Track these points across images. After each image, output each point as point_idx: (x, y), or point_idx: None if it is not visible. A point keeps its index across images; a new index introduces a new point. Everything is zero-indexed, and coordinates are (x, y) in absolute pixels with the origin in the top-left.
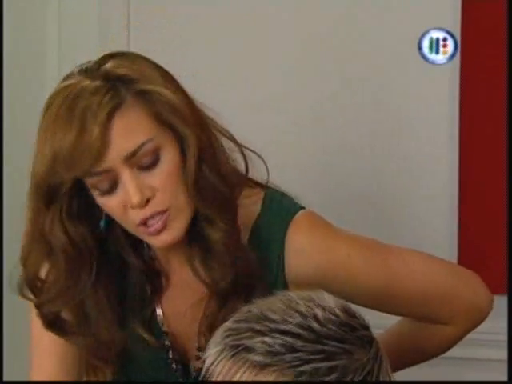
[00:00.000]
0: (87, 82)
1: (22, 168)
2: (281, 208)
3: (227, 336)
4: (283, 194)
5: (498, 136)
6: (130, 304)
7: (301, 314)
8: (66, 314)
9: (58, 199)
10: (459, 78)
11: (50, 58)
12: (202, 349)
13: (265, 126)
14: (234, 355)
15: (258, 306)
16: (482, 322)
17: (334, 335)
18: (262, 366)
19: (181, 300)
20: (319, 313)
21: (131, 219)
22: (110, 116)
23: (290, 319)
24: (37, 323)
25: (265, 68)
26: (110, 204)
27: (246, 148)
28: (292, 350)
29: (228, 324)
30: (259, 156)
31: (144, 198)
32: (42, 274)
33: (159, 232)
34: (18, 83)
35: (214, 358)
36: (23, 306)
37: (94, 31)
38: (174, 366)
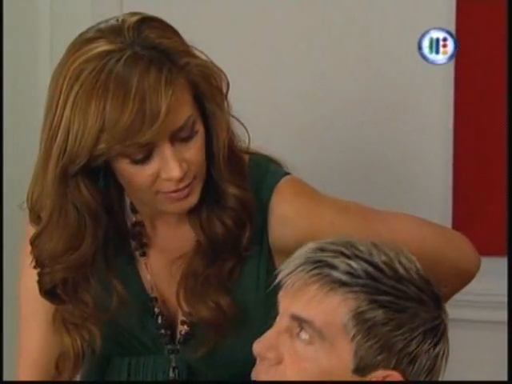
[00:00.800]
0: (130, 52)
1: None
2: (265, 174)
3: (311, 252)
4: (269, 160)
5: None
6: (117, 270)
7: (386, 254)
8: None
9: (87, 167)
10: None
11: (43, 58)
12: (186, 313)
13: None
14: (314, 269)
15: (345, 237)
16: (469, 282)
17: (415, 282)
18: (339, 284)
19: (164, 266)
20: (404, 260)
21: (157, 189)
22: (167, 91)
23: (376, 255)
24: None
25: (264, 70)
26: (139, 173)
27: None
28: (373, 278)
29: (312, 244)
30: (241, 123)
31: (183, 173)
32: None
33: (181, 199)
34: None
35: (291, 270)
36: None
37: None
38: (162, 331)
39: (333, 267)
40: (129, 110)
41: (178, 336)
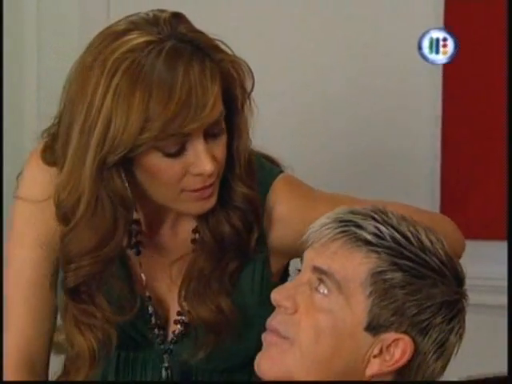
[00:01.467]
0: (170, 44)
1: None
2: (260, 172)
3: (341, 213)
4: (261, 157)
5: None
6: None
7: (415, 227)
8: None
9: (122, 159)
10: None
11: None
12: (181, 312)
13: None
14: (341, 226)
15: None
16: None
17: (439, 256)
18: (364, 243)
19: (160, 265)
20: (431, 236)
21: (183, 186)
22: (213, 84)
23: (405, 226)
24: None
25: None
26: (169, 167)
27: None
28: (398, 243)
29: (344, 207)
30: None
31: (214, 168)
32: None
33: (204, 199)
34: None
35: (319, 227)
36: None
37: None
38: (155, 331)
39: (360, 227)
40: (175, 101)
41: (171, 336)
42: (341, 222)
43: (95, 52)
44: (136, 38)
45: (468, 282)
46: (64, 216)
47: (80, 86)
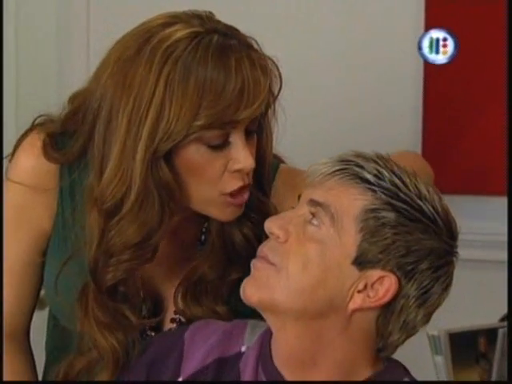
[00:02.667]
0: (217, 36)
1: None
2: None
3: (345, 154)
4: None
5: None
6: None
7: (415, 178)
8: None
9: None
10: None
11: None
12: (178, 312)
13: None
14: (342, 164)
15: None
16: None
17: (434, 205)
18: (362, 181)
19: (163, 266)
20: (430, 188)
21: (223, 186)
22: (264, 73)
23: (405, 174)
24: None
25: None
26: (212, 161)
27: None
28: (396, 186)
29: (349, 150)
30: None
31: (254, 164)
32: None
33: (238, 205)
34: None
35: (319, 164)
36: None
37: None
38: (148, 333)
39: (361, 167)
40: (231, 88)
41: None
42: (342, 161)
43: (136, 45)
44: (182, 29)
45: (469, 237)
46: (109, 209)
47: (122, 78)
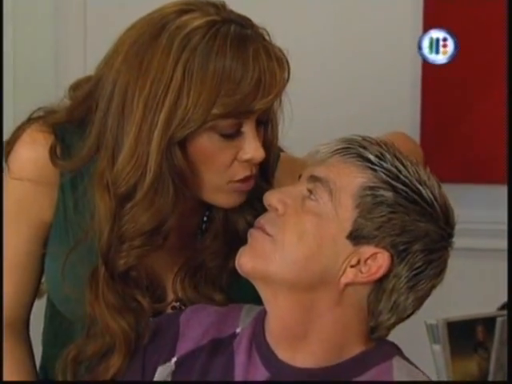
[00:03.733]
0: (234, 25)
1: None
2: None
3: (349, 136)
4: None
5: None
6: None
7: (417, 166)
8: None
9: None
10: None
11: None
12: (178, 299)
13: None
14: (345, 143)
15: None
16: None
17: (433, 191)
18: (364, 160)
19: (165, 254)
20: (432, 178)
21: (231, 174)
22: (280, 65)
23: (408, 160)
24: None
25: None
26: (223, 149)
27: None
28: (397, 168)
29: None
30: None
31: (264, 155)
32: None
33: (242, 191)
34: None
35: (322, 144)
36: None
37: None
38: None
39: (364, 148)
40: (249, 78)
41: None
42: (345, 141)
43: (152, 31)
44: (200, 17)
45: (469, 226)
46: (123, 194)
47: (137, 64)
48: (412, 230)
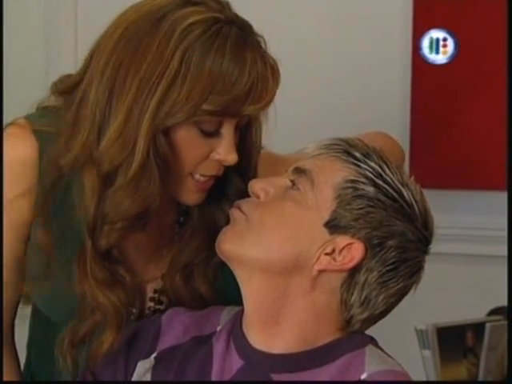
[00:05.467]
0: (236, 28)
1: None
2: None
3: (339, 136)
4: None
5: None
6: None
7: (402, 170)
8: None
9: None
10: None
11: None
12: (158, 290)
13: None
14: (335, 140)
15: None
16: None
17: (414, 194)
18: (350, 156)
19: (144, 247)
20: (415, 183)
21: (199, 168)
22: (275, 76)
23: (393, 165)
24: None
25: None
26: (198, 146)
27: None
28: (381, 168)
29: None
30: None
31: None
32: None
33: (203, 190)
34: None
35: (312, 142)
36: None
37: None
38: (133, 310)
39: (351, 146)
40: (243, 82)
41: (146, 312)
42: (334, 139)
43: (153, 16)
44: (205, 12)
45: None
46: (107, 174)
47: (136, 43)
48: (388, 225)
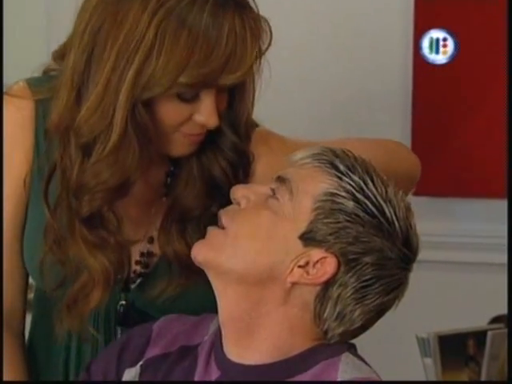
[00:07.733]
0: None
1: None
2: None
3: (326, 146)
4: None
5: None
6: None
7: (389, 186)
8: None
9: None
10: None
11: None
12: (145, 254)
13: None
14: (321, 150)
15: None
16: (413, 187)
17: (397, 211)
18: (333, 168)
19: (132, 207)
20: (399, 197)
21: (185, 129)
22: (254, 45)
23: (379, 178)
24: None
25: None
26: (178, 111)
27: None
28: (365, 183)
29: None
30: None
31: (218, 123)
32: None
33: (194, 143)
34: None
35: (298, 155)
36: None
37: None
38: (120, 272)
39: (337, 157)
40: (220, 53)
41: (132, 275)
42: (322, 148)
43: None
44: None
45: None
46: (87, 144)
47: (115, 10)
48: (365, 241)
